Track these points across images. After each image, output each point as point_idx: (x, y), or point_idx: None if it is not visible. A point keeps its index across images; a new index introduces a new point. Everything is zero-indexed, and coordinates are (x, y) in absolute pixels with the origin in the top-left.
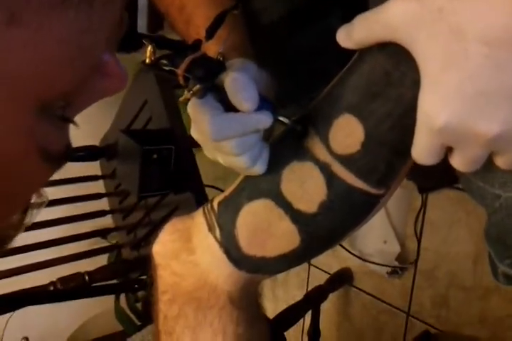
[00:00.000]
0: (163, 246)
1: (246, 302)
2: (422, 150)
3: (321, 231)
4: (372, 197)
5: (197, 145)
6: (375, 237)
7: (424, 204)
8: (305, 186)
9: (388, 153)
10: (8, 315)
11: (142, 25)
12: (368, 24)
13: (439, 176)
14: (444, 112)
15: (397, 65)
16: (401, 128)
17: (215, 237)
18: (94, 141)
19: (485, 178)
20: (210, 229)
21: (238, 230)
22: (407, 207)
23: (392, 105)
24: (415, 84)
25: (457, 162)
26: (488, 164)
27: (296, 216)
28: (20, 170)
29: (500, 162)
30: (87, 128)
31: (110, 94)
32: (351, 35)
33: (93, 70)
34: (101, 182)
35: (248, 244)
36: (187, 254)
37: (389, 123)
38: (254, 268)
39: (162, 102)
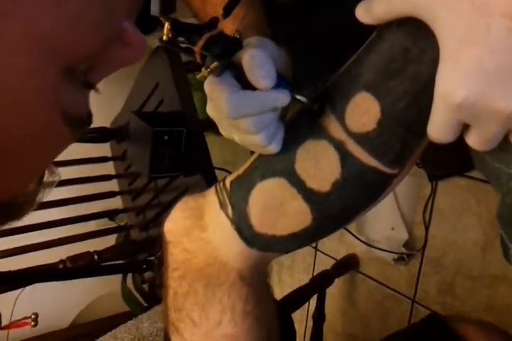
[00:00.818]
0: (175, 224)
1: (256, 280)
2: (439, 127)
3: (333, 210)
4: (385, 177)
5: (207, 129)
6: (384, 224)
7: (433, 192)
8: (319, 165)
9: (404, 132)
10: (18, 291)
11: (155, 8)
12: None
13: (449, 164)
14: (463, 88)
15: (416, 41)
16: (418, 107)
17: (226, 215)
18: (105, 122)
19: (500, 158)
20: (222, 206)
21: (250, 208)
22: (417, 195)
23: (410, 83)
24: (434, 61)
25: (473, 140)
26: (505, 144)
27: (308, 195)
28: (43, 130)
29: None
30: (98, 109)
31: (130, 63)
32: (370, 10)
33: (115, 37)
34: (111, 163)
35: (260, 222)
36: (199, 231)
37: (406, 102)
38: (265, 246)
39: (174, 85)
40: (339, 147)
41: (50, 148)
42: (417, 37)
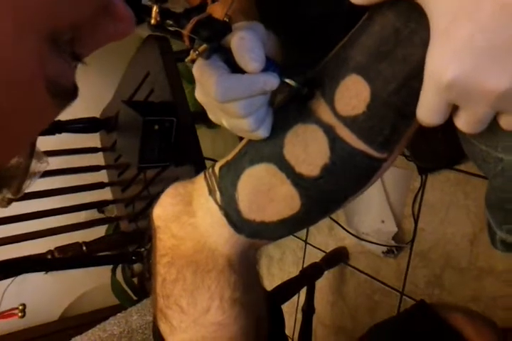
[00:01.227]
0: (164, 209)
1: (244, 267)
2: (428, 109)
3: (322, 195)
4: (374, 161)
5: (198, 121)
6: (373, 216)
7: (423, 185)
8: (308, 149)
9: (393, 116)
10: (7, 282)
11: None
12: None
13: (438, 157)
14: (453, 67)
15: (407, 22)
16: (408, 90)
17: (215, 200)
18: (95, 113)
19: (488, 141)
20: (211, 192)
21: (239, 194)
22: (406, 188)
23: (400, 65)
24: (425, 43)
25: (462, 122)
26: (493, 127)
27: (297, 180)
28: (28, 102)
29: (505, 123)
30: (87, 100)
31: (118, 38)
32: None
33: (102, 8)
34: (100, 154)
35: (248, 207)
36: (187, 217)
37: (396, 85)
38: (254, 232)
39: (165, 74)
40: (328, 131)
41: (33, 119)
42: (408, 18)
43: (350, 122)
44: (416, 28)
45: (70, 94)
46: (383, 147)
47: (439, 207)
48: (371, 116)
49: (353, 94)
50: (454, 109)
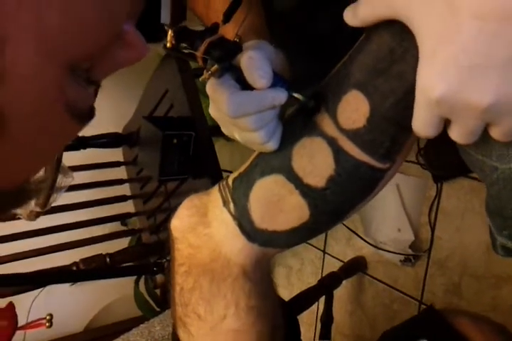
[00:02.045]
0: (181, 221)
1: (258, 275)
2: (422, 123)
3: (329, 205)
4: (378, 171)
5: (216, 134)
6: (390, 225)
7: (438, 193)
8: (314, 161)
9: (392, 128)
10: (35, 292)
11: (165, 17)
12: (372, 2)
13: (452, 165)
14: (440, 84)
15: (401, 42)
16: (404, 104)
17: (229, 211)
18: (118, 128)
19: (483, 151)
20: (225, 203)
21: (251, 204)
22: (422, 196)
23: (396, 82)
24: (417, 60)
25: (455, 134)
26: (486, 137)
27: (305, 190)
28: (50, 122)
29: (495, 133)
30: (110, 116)
31: (130, 64)
32: (357, 13)
33: (116, 37)
34: (123, 168)
35: (260, 217)
36: (203, 227)
37: (392, 100)
38: (266, 241)
39: (183, 91)
40: (332, 143)
41: (55, 137)
42: (401, 38)
43: (353, 135)
44: (409, 47)
45: (87, 114)
46: (385, 158)
47: (455, 214)
48: (372, 129)
49: (354, 108)
50: (448, 121)
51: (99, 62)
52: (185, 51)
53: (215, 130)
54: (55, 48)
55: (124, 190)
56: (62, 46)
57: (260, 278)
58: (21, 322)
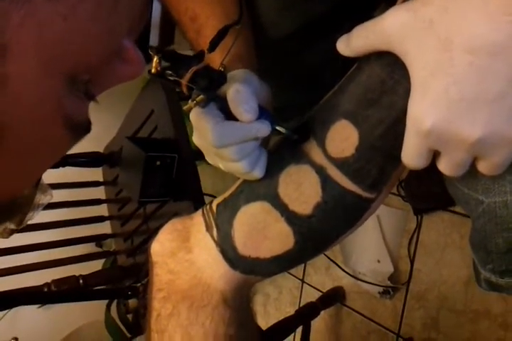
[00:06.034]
0: (161, 245)
1: (238, 303)
2: (411, 154)
3: (315, 233)
4: (364, 201)
5: (199, 157)
6: (370, 256)
7: (418, 226)
8: (301, 188)
9: (381, 158)
10: (0, 314)
11: (154, 39)
12: (365, 33)
13: (434, 198)
14: (431, 116)
15: (391, 73)
16: (393, 135)
17: (212, 237)
18: (99, 147)
19: (469, 184)
20: (208, 228)
21: (234, 231)
22: (402, 228)
23: (385, 112)
24: (407, 92)
25: (443, 166)
26: (473, 170)
27: (291, 218)
28: (47, 136)
29: (482, 167)
30: (92, 135)
31: (128, 79)
32: (349, 43)
33: (115, 52)
34: (102, 188)
35: (243, 244)
36: (184, 253)
37: (382, 130)
38: (249, 268)
39: (169, 113)
40: (320, 171)
41: (51, 152)
42: (392, 69)
43: (341, 164)
44: (399, 79)
45: (85, 128)
46: (372, 188)
47: (435, 248)
48: (360, 159)
49: (343, 137)
50: (437, 153)
51: (98, 75)
52: (170, 78)
53: (198, 153)
54: (55, 58)
55: (102, 210)
56: (62, 56)
57: (240, 305)
58: None
